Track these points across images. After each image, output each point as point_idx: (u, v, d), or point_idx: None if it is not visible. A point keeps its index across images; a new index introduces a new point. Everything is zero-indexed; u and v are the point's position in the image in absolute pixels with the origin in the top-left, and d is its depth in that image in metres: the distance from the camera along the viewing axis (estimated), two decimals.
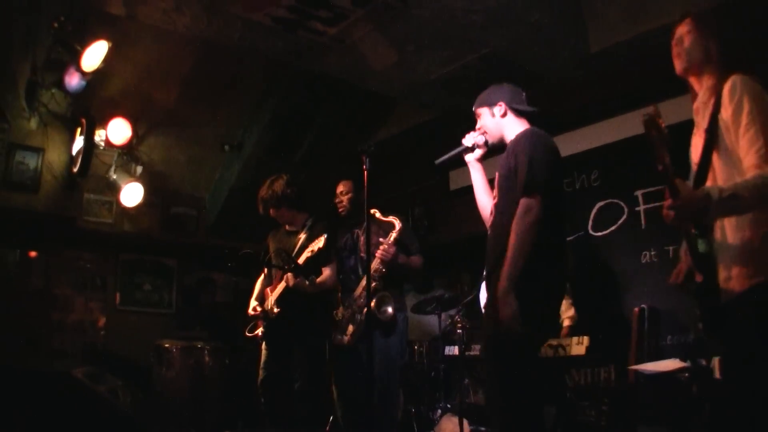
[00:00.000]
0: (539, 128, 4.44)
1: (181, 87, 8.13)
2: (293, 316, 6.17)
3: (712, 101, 3.41)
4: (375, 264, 5.72)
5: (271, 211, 6.49)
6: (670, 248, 6.76)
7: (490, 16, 6.32)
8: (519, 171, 4.15)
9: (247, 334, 6.46)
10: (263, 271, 6.65)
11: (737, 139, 3.23)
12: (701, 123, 3.53)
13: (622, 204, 7.42)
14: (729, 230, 3.27)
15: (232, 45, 6.97)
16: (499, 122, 4.52)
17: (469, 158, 4.67)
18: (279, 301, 6.21)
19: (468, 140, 4.62)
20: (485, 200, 4.62)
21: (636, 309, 6.64)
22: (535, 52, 6.98)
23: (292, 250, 6.23)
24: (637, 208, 7.30)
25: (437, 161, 4.72)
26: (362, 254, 6.02)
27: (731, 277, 3.22)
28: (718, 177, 3.30)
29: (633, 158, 7.28)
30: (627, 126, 7.29)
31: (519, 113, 4.54)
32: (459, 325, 6.76)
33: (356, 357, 5.86)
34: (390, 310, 5.77)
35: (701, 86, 3.59)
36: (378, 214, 5.82)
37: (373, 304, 5.50)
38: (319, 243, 5.94)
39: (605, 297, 7.22)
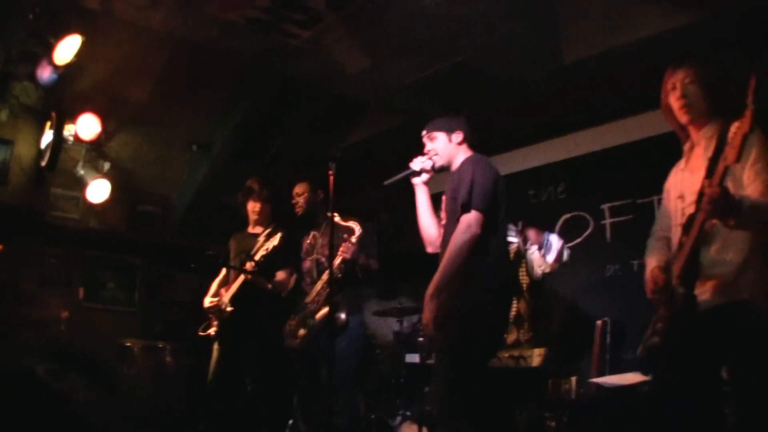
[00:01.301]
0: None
1: (152, 85, 8.09)
2: (246, 315, 6.20)
3: (716, 137, 3.57)
4: (335, 264, 5.67)
5: (255, 204, 6.58)
6: (635, 262, 6.82)
7: (464, 24, 6.34)
8: (461, 191, 4.38)
9: (200, 333, 6.44)
10: (221, 271, 6.65)
11: (743, 168, 3.47)
12: (694, 160, 3.78)
13: (588, 217, 7.48)
14: (718, 245, 3.51)
15: (206, 44, 6.96)
16: (453, 149, 4.78)
17: (416, 181, 4.87)
18: (233, 300, 6.23)
19: (416, 164, 4.82)
20: (428, 221, 4.88)
21: (599, 322, 6.69)
22: (508, 61, 6.99)
23: (251, 251, 6.25)
24: (602, 222, 7.36)
25: (386, 182, 4.92)
26: (320, 257, 6.06)
27: (711, 289, 3.47)
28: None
29: (601, 172, 7.34)
30: (596, 139, 7.37)
31: (471, 145, 4.79)
32: (421, 332, 6.79)
33: (312, 361, 5.89)
34: (342, 316, 5.79)
35: (700, 128, 3.80)
36: (338, 218, 5.80)
37: (325, 309, 5.56)
38: (275, 241, 6.04)
39: (568, 309, 7.25)
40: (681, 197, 3.79)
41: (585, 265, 7.38)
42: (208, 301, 6.44)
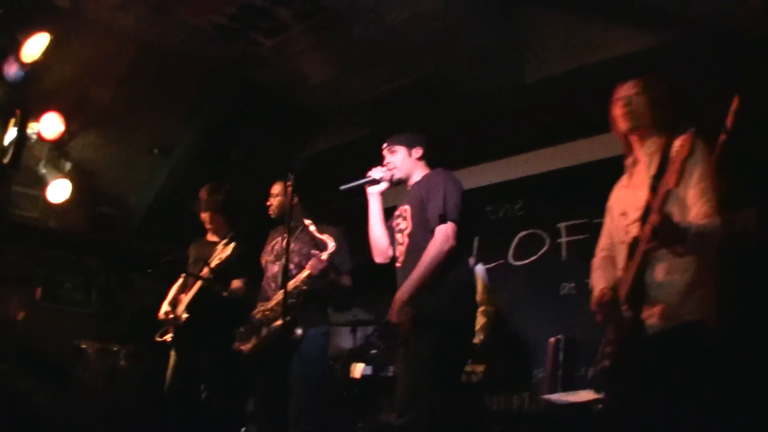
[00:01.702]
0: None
1: (117, 86, 8.05)
2: (202, 323, 6.16)
3: (659, 153, 3.59)
4: (301, 276, 5.62)
5: (210, 214, 6.55)
6: (590, 281, 6.88)
7: (429, 39, 6.41)
8: (433, 203, 4.54)
9: (157, 338, 6.41)
10: (180, 277, 6.61)
11: (686, 188, 3.46)
12: (637, 176, 3.79)
13: (544, 235, 7.54)
14: (665, 267, 3.48)
15: (172, 49, 6.97)
16: (412, 163, 4.92)
17: (372, 190, 4.99)
18: (189, 308, 6.20)
19: (376, 173, 4.92)
20: (380, 231, 4.99)
21: (552, 339, 6.72)
22: (472, 78, 7.04)
23: (209, 259, 6.21)
24: (558, 240, 7.41)
25: (343, 187, 5.00)
26: (290, 264, 5.72)
27: (659, 311, 3.43)
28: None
29: (558, 190, 7.41)
30: (555, 158, 7.43)
31: (429, 162, 4.93)
32: (378, 345, 6.81)
33: (267, 369, 5.79)
34: (299, 331, 5.60)
35: (643, 143, 3.79)
36: (313, 228, 5.73)
37: (280, 322, 5.42)
38: (227, 251, 5.98)
39: (522, 325, 7.29)
40: (624, 214, 3.79)
41: (540, 283, 7.43)
42: (163, 310, 6.42)
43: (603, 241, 4.08)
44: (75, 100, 8.09)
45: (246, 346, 5.76)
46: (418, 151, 4.90)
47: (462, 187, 4.67)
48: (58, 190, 8.40)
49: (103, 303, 9.58)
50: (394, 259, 4.95)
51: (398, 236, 4.85)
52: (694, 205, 3.43)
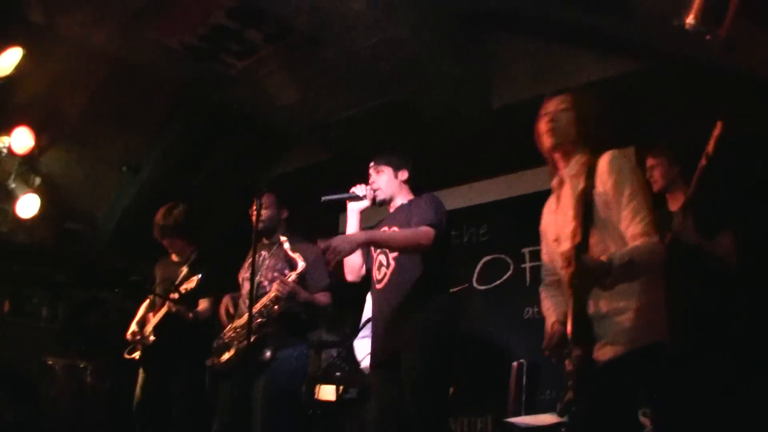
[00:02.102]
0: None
1: (87, 103, 8.06)
2: (170, 344, 6.15)
3: (583, 177, 3.50)
4: (269, 296, 5.48)
5: (166, 240, 6.52)
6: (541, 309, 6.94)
7: (397, 64, 6.46)
8: (421, 213, 4.57)
9: (126, 355, 6.41)
10: (148, 297, 6.59)
11: (618, 210, 3.36)
12: (564, 196, 3.67)
13: (508, 260, 7.60)
14: (602, 301, 3.34)
15: (143, 67, 7.00)
16: (397, 185, 4.89)
17: (353, 207, 4.95)
18: (156, 329, 6.19)
19: (360, 190, 4.87)
20: (352, 260, 4.91)
21: (515, 363, 6.76)
22: (439, 102, 7.12)
23: (176, 280, 6.20)
24: (522, 265, 7.49)
25: (324, 197, 4.94)
26: (262, 280, 5.71)
27: (604, 345, 3.30)
28: (593, 247, 3.35)
29: (522, 216, 7.41)
30: (519, 183, 7.49)
31: (412, 186, 4.93)
32: (342, 367, 6.82)
33: (239, 390, 5.60)
34: (268, 353, 5.46)
35: (567, 162, 3.69)
36: (287, 246, 5.58)
37: (251, 340, 5.27)
38: (191, 284, 5.90)
39: (486, 349, 7.33)
40: (557, 240, 3.69)
41: (504, 307, 7.50)
42: (131, 330, 6.41)
43: (546, 267, 3.95)
44: (46, 115, 8.09)
45: (219, 362, 5.65)
46: (403, 174, 4.90)
47: (445, 210, 4.69)
48: (28, 205, 8.36)
49: (70, 319, 9.55)
50: (366, 279, 4.96)
51: (381, 258, 4.78)
52: (628, 227, 3.32)
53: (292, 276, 5.46)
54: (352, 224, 4.93)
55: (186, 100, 8.04)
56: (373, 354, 4.74)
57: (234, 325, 5.64)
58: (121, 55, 6.82)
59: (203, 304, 6.23)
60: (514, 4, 6.28)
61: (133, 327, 6.42)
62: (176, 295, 5.99)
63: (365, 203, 4.91)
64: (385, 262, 4.75)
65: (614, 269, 3.13)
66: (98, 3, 6.09)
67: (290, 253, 5.56)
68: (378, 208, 5.01)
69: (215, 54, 6.56)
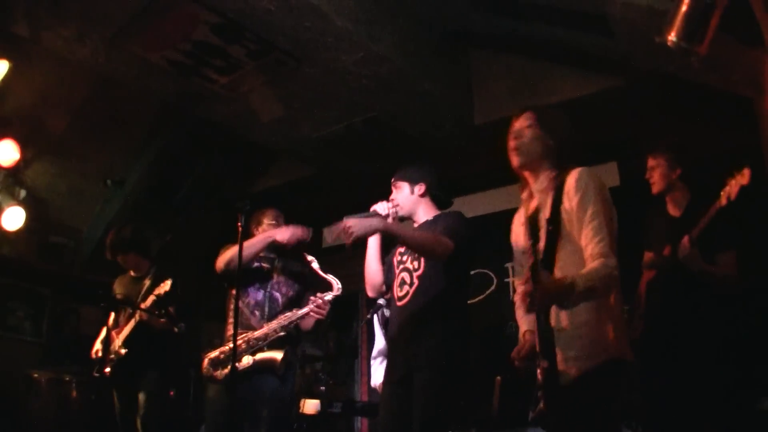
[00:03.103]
0: None
1: (71, 117, 8.09)
2: (141, 356, 6.18)
3: (551, 192, 3.52)
4: (294, 315, 5.41)
5: (119, 257, 6.57)
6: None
7: (380, 81, 6.49)
8: (449, 223, 4.54)
9: (95, 374, 6.41)
10: (110, 315, 6.58)
11: (580, 227, 3.37)
12: (531, 210, 3.70)
13: (491, 274, 7.62)
14: (563, 314, 3.37)
15: (127, 82, 7.02)
16: (416, 200, 4.80)
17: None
18: (127, 342, 6.20)
19: (381, 209, 4.74)
20: (375, 267, 4.88)
21: (499, 377, 6.77)
22: (421, 119, 7.17)
23: (137, 296, 6.25)
24: (506, 279, 7.54)
25: (346, 218, 4.79)
26: (275, 293, 5.66)
27: (570, 358, 3.32)
28: (560, 263, 3.40)
29: (505, 231, 7.46)
30: (502, 199, 7.52)
31: (435, 198, 4.85)
32: (326, 381, 6.84)
33: (235, 404, 5.34)
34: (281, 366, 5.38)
35: (536, 177, 3.70)
36: (316, 266, 5.51)
37: (280, 356, 5.30)
38: (165, 287, 5.90)
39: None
40: (525, 253, 3.69)
41: (487, 322, 7.50)
42: (94, 350, 6.43)
43: (521, 273, 3.92)
44: (31, 128, 8.10)
45: (219, 373, 5.45)
46: (420, 188, 4.79)
47: (474, 229, 4.71)
48: (13, 218, 8.35)
49: (54, 332, 9.53)
50: (383, 294, 4.99)
51: (404, 275, 4.72)
52: (587, 246, 3.33)
53: (328, 297, 5.42)
54: (373, 244, 4.89)
55: (169, 115, 8.08)
56: (389, 369, 4.70)
57: (246, 336, 5.42)
58: (106, 70, 6.83)
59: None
60: (495, 22, 6.32)
61: (97, 346, 6.43)
62: (148, 303, 6.03)
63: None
64: (408, 280, 4.68)
65: (576, 293, 3.20)
66: (83, 18, 6.09)
67: (323, 274, 5.50)
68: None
69: (198, 69, 6.58)
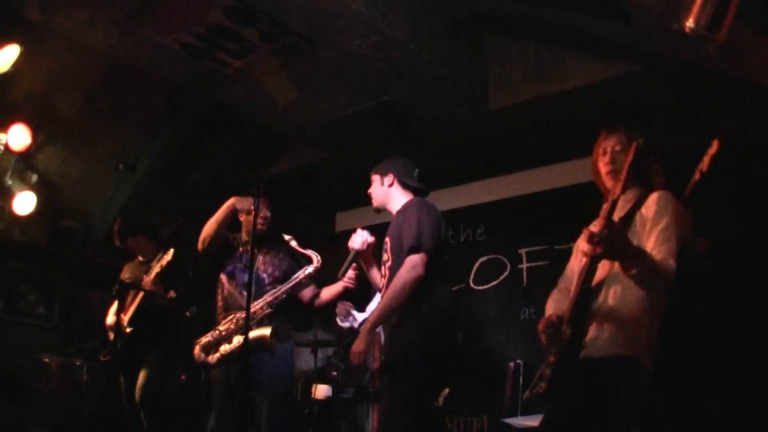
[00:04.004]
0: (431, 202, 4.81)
1: (83, 101, 8.06)
2: (145, 335, 6.22)
3: (633, 201, 3.66)
4: (282, 290, 5.59)
5: (129, 240, 6.69)
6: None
7: (393, 65, 6.44)
8: (405, 234, 4.53)
9: (102, 358, 6.43)
10: (113, 303, 6.66)
11: (648, 232, 3.47)
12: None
13: (505, 260, 7.61)
14: (612, 297, 3.50)
15: (139, 66, 6.97)
16: (386, 191, 4.94)
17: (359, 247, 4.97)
18: (132, 320, 6.26)
19: (356, 244, 4.93)
20: (377, 278, 5.04)
21: (511, 363, 6.77)
22: (435, 104, 7.10)
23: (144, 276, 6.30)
24: (519, 266, 7.48)
25: (340, 274, 5.09)
26: (261, 273, 5.79)
27: (599, 338, 3.44)
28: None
29: (520, 216, 7.49)
30: (517, 184, 7.52)
31: (405, 186, 4.91)
32: (338, 366, 6.82)
33: (235, 386, 5.55)
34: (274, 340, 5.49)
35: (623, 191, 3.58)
36: (295, 244, 5.65)
37: (268, 332, 5.40)
38: (168, 257, 6.03)
39: (481, 349, 7.34)
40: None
41: (500, 308, 7.50)
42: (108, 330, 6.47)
43: (565, 277, 4.06)
44: (42, 112, 8.08)
45: (211, 358, 5.61)
46: (389, 179, 4.92)
47: (438, 216, 4.70)
48: (24, 203, 8.36)
49: (66, 317, 9.54)
50: None
51: (383, 269, 4.88)
52: (653, 248, 3.38)
53: (309, 270, 5.61)
54: (369, 263, 5.10)
55: (182, 99, 8.04)
56: (378, 357, 4.81)
57: (236, 317, 5.57)
58: (118, 54, 6.79)
59: (173, 294, 6.25)
60: (510, 6, 6.27)
61: (109, 330, 6.47)
62: (152, 275, 6.14)
63: (370, 239, 4.96)
64: (383, 273, 4.86)
65: (640, 264, 3.21)
66: (94, 1, 6.05)
67: (301, 249, 5.66)
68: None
69: (212, 53, 6.53)
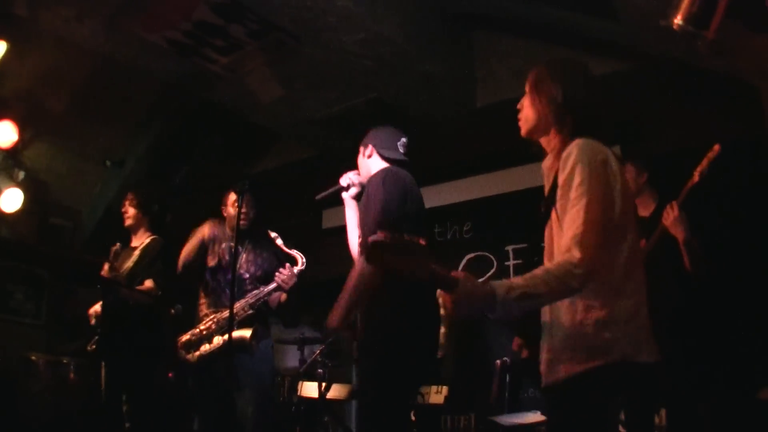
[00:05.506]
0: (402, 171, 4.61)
1: (70, 97, 8.04)
2: (123, 330, 6.14)
3: (555, 166, 2.91)
4: (267, 289, 5.62)
5: (127, 209, 6.60)
6: None
7: (381, 62, 6.45)
8: (371, 209, 4.35)
9: (88, 348, 6.41)
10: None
11: (563, 212, 2.78)
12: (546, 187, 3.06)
13: (491, 257, 7.60)
14: (562, 311, 2.80)
15: (127, 63, 6.97)
16: (366, 162, 4.81)
17: (345, 195, 4.89)
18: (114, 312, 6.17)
19: (344, 180, 4.86)
20: (355, 238, 4.81)
21: (498, 361, 6.76)
22: (422, 100, 7.13)
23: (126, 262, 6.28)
24: (506, 263, 7.49)
25: (317, 196, 4.98)
26: (243, 273, 5.78)
27: (555, 361, 2.81)
28: (556, 246, 2.85)
29: (506, 214, 7.49)
30: (504, 181, 7.51)
31: (384, 158, 4.76)
32: (325, 363, 6.81)
33: (216, 381, 5.57)
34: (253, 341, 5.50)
35: (549, 146, 3.11)
36: (280, 242, 5.66)
37: (248, 333, 5.43)
38: (145, 239, 6.15)
39: (469, 347, 7.34)
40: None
41: None
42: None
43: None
44: (30, 109, 8.06)
45: (191, 355, 5.63)
46: (368, 149, 4.83)
47: (402, 188, 4.40)
48: (11, 200, 8.31)
49: (53, 314, 9.51)
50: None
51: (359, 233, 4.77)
52: (564, 235, 2.72)
53: (296, 270, 5.58)
54: (349, 214, 4.90)
55: (169, 96, 8.03)
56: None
57: (218, 316, 5.60)
58: (105, 51, 6.79)
59: (148, 283, 6.20)
60: (499, 4, 6.28)
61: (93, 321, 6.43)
62: (134, 257, 6.18)
63: (354, 189, 4.86)
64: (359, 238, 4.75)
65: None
66: None
67: (287, 250, 5.66)
68: None
69: (199, 50, 6.53)
